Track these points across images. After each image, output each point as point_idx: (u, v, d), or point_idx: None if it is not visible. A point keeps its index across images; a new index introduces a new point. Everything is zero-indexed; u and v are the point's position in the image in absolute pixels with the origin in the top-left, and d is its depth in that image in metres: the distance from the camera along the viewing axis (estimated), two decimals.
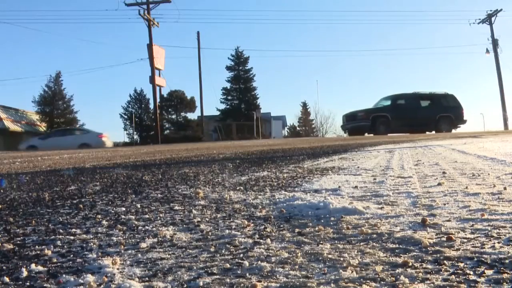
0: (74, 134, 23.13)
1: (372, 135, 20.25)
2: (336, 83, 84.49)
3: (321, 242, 1.27)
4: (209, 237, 1.37)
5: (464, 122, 22.47)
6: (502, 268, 0.98)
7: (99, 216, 1.77)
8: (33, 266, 1.11)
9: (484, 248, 1.14)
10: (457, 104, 22.08)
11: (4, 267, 1.13)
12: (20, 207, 2.11)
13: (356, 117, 20.95)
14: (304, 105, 57.09)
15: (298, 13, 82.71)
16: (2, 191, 2.75)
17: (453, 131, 21.29)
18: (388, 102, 21.65)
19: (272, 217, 1.65)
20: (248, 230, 1.44)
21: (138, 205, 1.99)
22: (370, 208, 1.72)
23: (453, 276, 0.95)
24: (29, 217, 1.81)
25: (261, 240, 1.30)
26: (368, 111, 20.98)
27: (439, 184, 2.36)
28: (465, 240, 1.22)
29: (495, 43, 35.36)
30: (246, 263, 1.08)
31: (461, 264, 1.02)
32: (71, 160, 5.71)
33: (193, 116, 40.71)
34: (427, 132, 20.76)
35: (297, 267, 1.05)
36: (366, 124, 20.38)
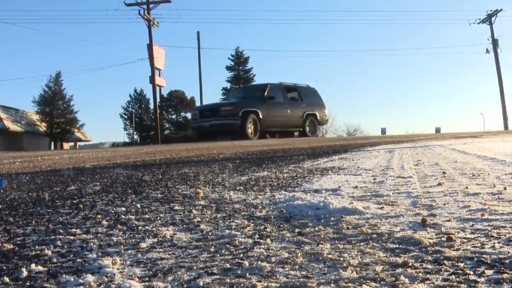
0: None
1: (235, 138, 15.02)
2: (336, 84, 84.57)
3: (321, 242, 1.27)
4: (209, 237, 1.37)
5: (326, 122, 19.17)
6: (502, 268, 0.98)
7: (99, 216, 1.77)
8: (33, 266, 1.11)
9: (484, 248, 1.14)
10: (321, 100, 18.32)
11: (4, 267, 1.13)
12: (20, 207, 2.11)
13: (220, 112, 15.28)
14: None
15: (298, 13, 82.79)
16: (2, 191, 2.75)
17: (311, 135, 17.35)
18: (256, 94, 16.41)
19: (272, 217, 1.65)
20: (248, 230, 1.44)
21: (138, 205, 1.99)
22: (370, 208, 1.72)
23: (453, 276, 0.95)
24: (29, 217, 1.81)
25: (261, 240, 1.30)
26: (238, 104, 15.46)
27: (439, 184, 2.36)
28: (465, 240, 1.22)
29: (495, 43, 35.37)
30: (246, 263, 1.08)
31: (461, 264, 1.02)
32: (71, 160, 5.71)
33: None
34: (295, 134, 17.31)
35: (297, 267, 1.05)
36: (234, 122, 14.97)
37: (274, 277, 0.98)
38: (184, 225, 1.55)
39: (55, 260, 1.18)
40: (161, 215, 1.76)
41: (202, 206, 1.93)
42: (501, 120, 35.75)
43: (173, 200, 2.13)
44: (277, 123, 16.44)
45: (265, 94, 16.14)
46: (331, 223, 1.51)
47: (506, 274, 0.94)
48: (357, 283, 0.93)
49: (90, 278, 1.00)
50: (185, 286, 0.95)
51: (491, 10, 35.72)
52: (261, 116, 15.62)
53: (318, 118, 17.97)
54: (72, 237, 1.43)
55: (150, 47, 28.15)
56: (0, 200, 2.34)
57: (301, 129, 17.30)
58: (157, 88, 29.03)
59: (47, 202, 2.22)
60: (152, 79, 27.93)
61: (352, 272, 0.99)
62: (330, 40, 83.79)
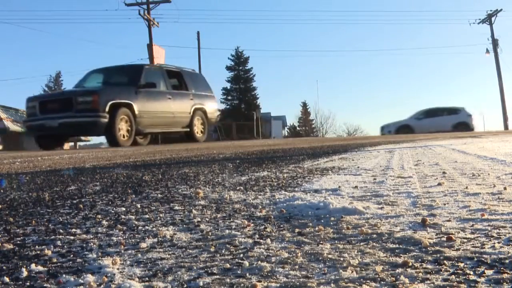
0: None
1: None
2: (336, 83, 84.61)
3: (321, 242, 1.27)
4: (209, 237, 1.37)
5: (217, 120, 14.92)
6: (502, 268, 0.98)
7: (99, 216, 1.77)
8: (33, 266, 1.11)
9: (484, 248, 1.14)
10: (210, 89, 14.16)
11: (4, 267, 1.13)
12: (20, 207, 2.11)
13: (74, 105, 10.24)
14: (304, 105, 57.19)
15: (298, 13, 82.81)
16: (2, 191, 2.75)
17: (201, 136, 13.27)
18: (127, 79, 11.60)
19: (272, 217, 1.65)
20: (248, 230, 1.44)
21: (138, 205, 1.99)
22: (370, 208, 1.72)
23: (453, 276, 0.95)
24: (29, 217, 1.81)
25: (261, 240, 1.30)
26: (103, 93, 10.58)
27: (439, 184, 2.36)
28: (465, 240, 1.22)
29: (495, 43, 35.37)
30: (246, 263, 1.08)
31: (461, 264, 1.02)
32: (71, 160, 5.70)
33: None
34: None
35: (297, 267, 1.05)
36: (98, 120, 10.24)
37: (274, 277, 0.98)
38: (184, 225, 1.55)
39: (55, 260, 1.18)
40: (161, 215, 1.76)
41: (202, 206, 1.93)
42: (501, 120, 35.77)
43: (173, 200, 2.13)
44: (159, 121, 11.97)
45: (141, 79, 11.46)
46: (331, 223, 1.51)
47: (506, 274, 0.94)
48: (357, 283, 0.93)
49: (90, 278, 1.00)
50: (185, 286, 0.95)
51: (491, 10, 35.73)
52: (137, 112, 10.98)
53: (208, 114, 13.50)
54: (72, 237, 1.43)
55: (150, 47, 28.15)
56: (0, 200, 2.34)
57: (188, 130, 12.87)
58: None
59: (47, 202, 2.22)
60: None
61: (352, 272, 0.99)
62: (330, 40, 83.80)
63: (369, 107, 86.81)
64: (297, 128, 56.20)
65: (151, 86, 11.60)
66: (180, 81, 13.17)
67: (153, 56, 27.70)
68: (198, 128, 13.22)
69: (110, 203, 2.12)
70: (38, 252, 1.27)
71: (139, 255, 1.20)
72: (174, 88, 12.82)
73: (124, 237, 1.40)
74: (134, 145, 11.33)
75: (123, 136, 10.77)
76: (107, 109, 10.32)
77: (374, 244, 1.22)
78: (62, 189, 2.73)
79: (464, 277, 0.94)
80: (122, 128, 10.72)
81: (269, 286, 0.93)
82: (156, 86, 11.83)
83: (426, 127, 22.69)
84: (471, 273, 0.96)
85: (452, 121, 23.71)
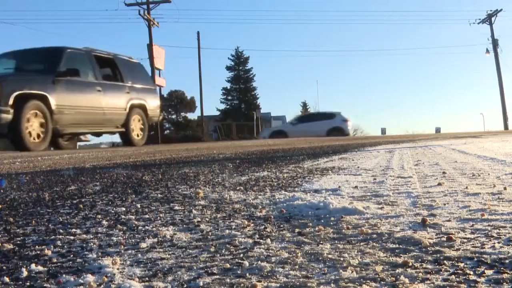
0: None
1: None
2: (336, 83, 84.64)
3: (321, 242, 1.27)
4: (209, 237, 1.37)
5: (158, 119, 12.82)
6: (502, 268, 0.98)
7: (99, 216, 1.77)
8: (33, 266, 1.11)
9: (484, 248, 1.14)
10: (150, 81, 12.39)
11: (4, 267, 1.13)
12: (20, 207, 2.11)
13: None
14: (304, 105, 57.13)
15: (298, 13, 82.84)
16: (2, 191, 2.75)
17: (140, 138, 11.18)
18: (42, 65, 9.43)
19: (272, 217, 1.65)
20: (248, 230, 1.44)
21: (138, 205, 1.99)
22: (370, 208, 1.72)
23: (453, 276, 0.95)
24: (29, 217, 1.81)
25: (261, 240, 1.30)
26: (6, 81, 8.20)
27: (439, 184, 2.36)
28: (465, 240, 1.22)
29: (495, 43, 35.39)
30: (246, 263, 1.08)
31: (461, 264, 1.02)
32: (71, 160, 5.70)
33: (193, 116, 40.89)
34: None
35: (297, 267, 1.05)
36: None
37: (274, 277, 0.98)
38: (184, 225, 1.55)
39: (55, 260, 1.18)
40: (161, 215, 1.76)
41: (202, 206, 1.93)
42: (501, 120, 35.81)
43: (173, 200, 2.13)
44: (85, 118, 9.67)
45: (61, 65, 9.10)
46: (331, 223, 1.51)
47: (506, 274, 0.94)
48: (357, 283, 0.93)
49: (90, 278, 1.00)
50: (185, 286, 0.95)
51: (491, 10, 35.78)
52: (54, 106, 8.70)
53: (149, 112, 11.43)
54: (72, 237, 1.43)
55: (150, 47, 28.19)
56: (0, 200, 2.34)
57: (124, 130, 10.79)
58: (157, 88, 29.05)
59: (47, 202, 2.22)
60: (152, 79, 27.95)
61: (352, 272, 0.99)
62: (330, 40, 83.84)
63: (369, 107, 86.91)
64: None
65: (74, 75, 9.26)
66: (113, 70, 10.92)
67: (153, 56, 27.74)
68: (136, 128, 11.10)
69: (110, 203, 2.12)
70: (38, 252, 1.27)
71: (139, 255, 1.20)
72: (106, 79, 10.50)
73: (124, 237, 1.40)
74: (57, 149, 9.70)
75: (33, 137, 8.43)
76: (11, 101, 7.93)
77: (374, 244, 1.22)
78: (62, 189, 2.73)
79: (464, 277, 0.94)
80: (33, 126, 8.39)
81: (269, 286, 0.93)
82: (80, 74, 9.47)
83: (300, 132, 22.47)
84: (471, 273, 0.96)
85: (327, 126, 23.35)
